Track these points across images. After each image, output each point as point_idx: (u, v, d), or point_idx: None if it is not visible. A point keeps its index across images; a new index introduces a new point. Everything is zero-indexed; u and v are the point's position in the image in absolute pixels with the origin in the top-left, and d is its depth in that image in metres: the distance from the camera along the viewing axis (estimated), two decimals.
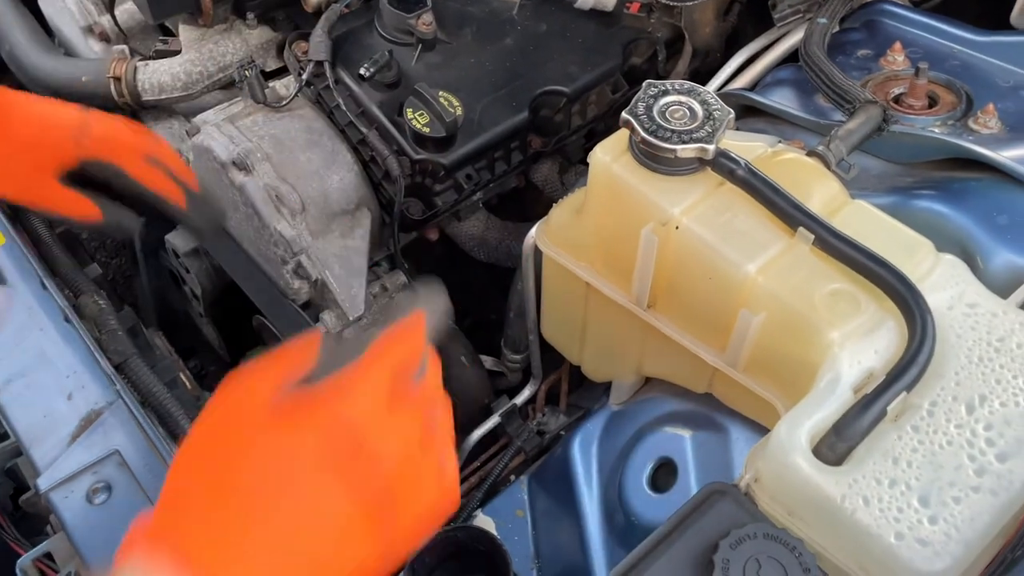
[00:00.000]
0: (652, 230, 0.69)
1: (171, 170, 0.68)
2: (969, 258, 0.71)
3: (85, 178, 0.66)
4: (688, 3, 0.99)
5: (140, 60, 1.07)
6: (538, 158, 1.09)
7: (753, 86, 0.99)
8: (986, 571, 0.55)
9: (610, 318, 0.82)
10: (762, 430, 0.76)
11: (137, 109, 1.09)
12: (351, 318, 0.96)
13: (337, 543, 0.40)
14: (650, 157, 0.70)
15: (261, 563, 0.38)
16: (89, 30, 1.15)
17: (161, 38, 1.13)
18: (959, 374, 0.61)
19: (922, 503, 0.56)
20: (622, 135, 0.72)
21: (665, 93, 0.71)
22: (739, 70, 1.02)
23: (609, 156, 0.72)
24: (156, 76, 1.06)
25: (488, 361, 1.06)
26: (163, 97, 1.06)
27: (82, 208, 0.64)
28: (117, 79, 1.05)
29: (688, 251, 0.69)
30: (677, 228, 0.69)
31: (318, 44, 0.95)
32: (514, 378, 1.09)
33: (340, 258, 0.96)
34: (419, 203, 0.99)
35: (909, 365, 0.59)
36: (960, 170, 0.78)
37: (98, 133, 0.64)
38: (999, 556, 0.55)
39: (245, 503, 0.39)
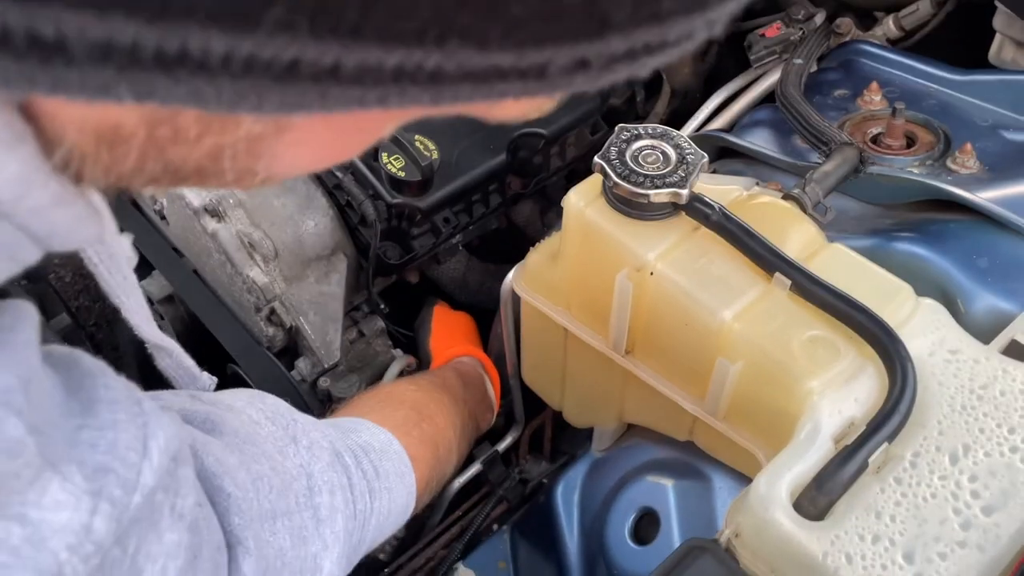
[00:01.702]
0: (627, 276, 0.68)
1: None
2: (950, 302, 0.70)
3: None
4: None
5: None
6: (518, 199, 1.08)
7: (731, 127, 0.99)
8: None
9: (589, 363, 0.81)
10: (745, 479, 0.74)
11: None
12: (326, 365, 0.95)
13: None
14: (624, 202, 0.69)
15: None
16: None
17: None
18: (942, 423, 0.60)
19: (907, 559, 0.54)
20: (596, 179, 0.71)
21: (638, 137, 0.70)
22: (717, 111, 1.02)
23: (583, 201, 0.71)
24: None
25: None
26: None
27: None
28: None
29: (664, 297, 0.68)
30: (652, 274, 0.68)
31: None
32: (496, 423, 1.07)
33: (315, 304, 0.95)
34: (397, 247, 0.98)
35: (890, 414, 0.58)
36: (939, 211, 0.77)
37: None
38: None
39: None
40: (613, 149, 0.69)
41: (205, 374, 0.55)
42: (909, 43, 1.05)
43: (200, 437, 0.46)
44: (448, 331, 1.02)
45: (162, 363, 0.52)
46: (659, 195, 0.67)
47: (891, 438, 0.58)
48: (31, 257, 0.28)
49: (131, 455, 0.33)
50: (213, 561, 0.41)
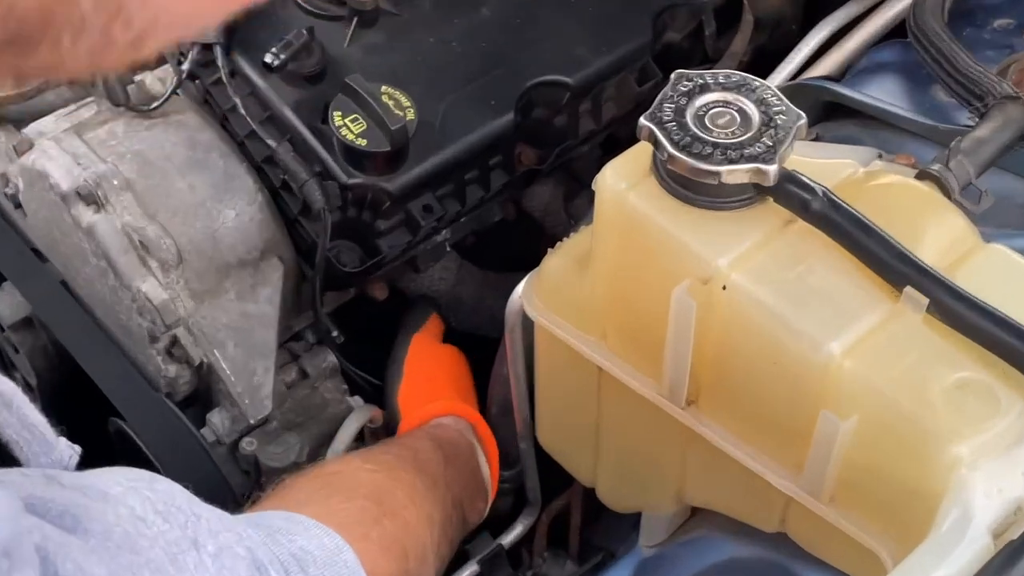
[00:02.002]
0: (688, 291, 0.67)
1: None
2: None
3: None
4: None
5: None
6: (533, 179, 1.07)
7: (843, 73, 0.99)
8: None
9: (634, 419, 0.81)
10: None
11: None
12: (252, 420, 0.94)
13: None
14: (683, 183, 0.68)
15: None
16: None
17: None
18: None
19: None
20: (643, 151, 0.71)
21: (704, 89, 0.69)
22: (822, 49, 1.02)
23: (624, 182, 0.71)
24: None
25: None
26: None
27: None
28: None
29: (741, 322, 0.68)
30: (725, 288, 0.67)
31: None
32: (501, 505, 1.07)
33: (236, 332, 0.95)
34: (355, 248, 0.97)
35: None
36: None
37: None
38: None
39: None
40: (668, 107, 0.69)
41: (63, 440, 0.55)
42: None
43: (54, 536, 0.45)
44: (425, 376, 1.03)
45: None
46: (735, 173, 0.66)
47: None
48: None
49: None
50: None
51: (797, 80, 0.98)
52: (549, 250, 0.82)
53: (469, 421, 1.01)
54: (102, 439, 1.02)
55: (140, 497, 0.53)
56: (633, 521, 0.94)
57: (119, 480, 0.54)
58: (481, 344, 1.08)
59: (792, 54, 1.02)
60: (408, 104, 0.95)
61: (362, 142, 0.92)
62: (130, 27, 0.30)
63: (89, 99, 1.01)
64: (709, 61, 1.13)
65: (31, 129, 0.99)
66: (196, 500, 0.57)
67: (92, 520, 0.49)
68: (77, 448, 0.57)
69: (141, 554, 0.50)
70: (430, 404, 1.01)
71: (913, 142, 0.86)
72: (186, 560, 0.52)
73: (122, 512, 0.51)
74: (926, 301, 0.64)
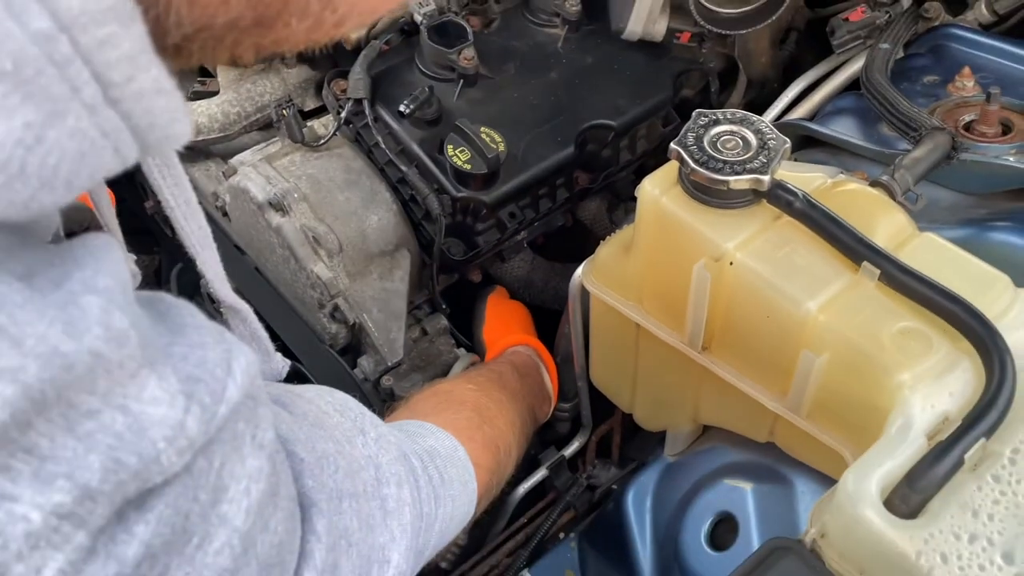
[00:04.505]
0: (705, 266, 0.68)
1: None
2: None
3: None
4: (741, 32, 0.99)
5: None
6: (586, 195, 1.08)
7: (812, 116, 1.00)
8: None
9: (663, 361, 0.81)
10: (829, 482, 0.73)
11: None
12: (389, 363, 0.96)
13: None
14: (701, 190, 0.69)
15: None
16: None
17: (199, 79, 1.15)
18: None
19: (1006, 559, 0.53)
20: (672, 167, 0.72)
21: (716, 122, 0.70)
22: (797, 99, 1.02)
23: (658, 189, 0.71)
24: (193, 117, 1.07)
25: None
26: (200, 139, 1.08)
27: None
28: None
29: (744, 288, 0.68)
30: (732, 264, 0.68)
31: (357, 81, 0.96)
32: (562, 428, 1.08)
33: (378, 301, 0.96)
34: (460, 243, 0.99)
35: (988, 409, 0.57)
36: None
37: None
38: None
39: None
40: (691, 135, 0.70)
41: (279, 355, 0.57)
42: (1003, 27, 1.04)
43: (272, 407, 0.46)
44: (502, 320, 1.04)
45: (236, 330, 0.53)
46: (739, 182, 0.67)
47: (989, 433, 0.56)
48: (131, 154, 0.29)
49: (218, 371, 0.34)
50: (288, 510, 0.41)
51: (781, 120, 0.99)
52: (601, 242, 0.83)
53: (535, 348, 1.01)
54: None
55: (324, 400, 0.55)
56: (658, 439, 0.93)
57: (309, 389, 0.56)
58: (549, 314, 1.09)
59: (776, 102, 1.03)
60: (499, 140, 0.96)
61: (467, 167, 0.93)
62: (335, 12, 0.30)
63: (275, 139, 1.03)
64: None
65: (235, 160, 1.01)
66: (362, 406, 0.58)
67: (294, 406, 0.51)
68: (287, 362, 0.58)
69: (327, 431, 0.51)
70: (507, 337, 1.01)
71: (865, 163, 0.86)
72: (355, 441, 0.53)
73: (312, 407, 0.52)
74: (878, 272, 0.65)
